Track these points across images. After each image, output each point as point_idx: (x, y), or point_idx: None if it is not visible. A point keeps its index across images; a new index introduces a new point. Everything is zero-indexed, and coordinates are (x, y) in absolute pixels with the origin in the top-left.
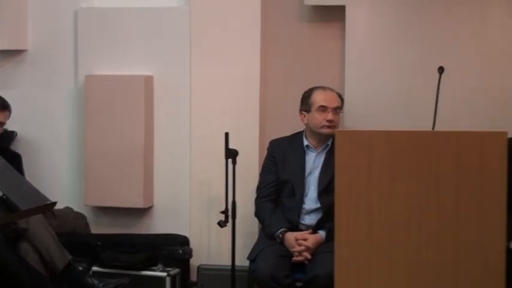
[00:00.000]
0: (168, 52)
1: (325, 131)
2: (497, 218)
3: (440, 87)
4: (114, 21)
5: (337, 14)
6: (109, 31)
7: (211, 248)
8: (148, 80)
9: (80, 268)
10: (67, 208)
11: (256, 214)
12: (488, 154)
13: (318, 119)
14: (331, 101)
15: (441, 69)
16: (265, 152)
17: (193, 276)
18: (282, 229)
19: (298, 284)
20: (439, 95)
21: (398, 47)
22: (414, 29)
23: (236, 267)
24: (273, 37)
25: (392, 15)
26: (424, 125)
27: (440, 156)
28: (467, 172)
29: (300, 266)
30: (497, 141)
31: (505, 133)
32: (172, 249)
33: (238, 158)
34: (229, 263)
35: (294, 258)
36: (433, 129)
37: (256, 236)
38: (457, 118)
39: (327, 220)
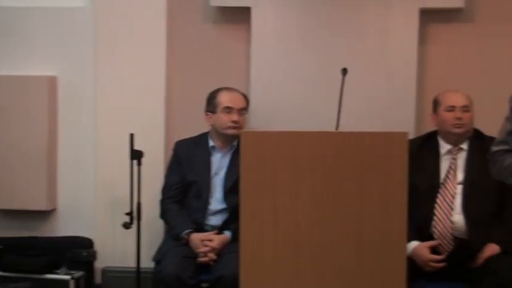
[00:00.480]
0: (72, 52)
1: (231, 131)
2: (399, 218)
3: (344, 88)
4: (16, 21)
5: (242, 15)
6: (11, 31)
7: (116, 250)
8: (51, 81)
9: None
10: None
11: (162, 215)
12: (390, 154)
13: (224, 119)
14: (236, 102)
15: (344, 71)
16: (170, 153)
17: (98, 279)
18: (187, 230)
19: (204, 285)
20: (343, 96)
21: (303, 49)
22: (319, 31)
23: (141, 269)
24: (178, 38)
25: (298, 16)
26: (328, 125)
27: (344, 156)
28: (370, 172)
29: (206, 267)
30: (398, 141)
31: (406, 134)
32: (77, 251)
33: (143, 159)
34: (134, 265)
35: (199, 259)
36: (336, 129)
37: (162, 238)
38: (360, 119)
39: (232, 221)
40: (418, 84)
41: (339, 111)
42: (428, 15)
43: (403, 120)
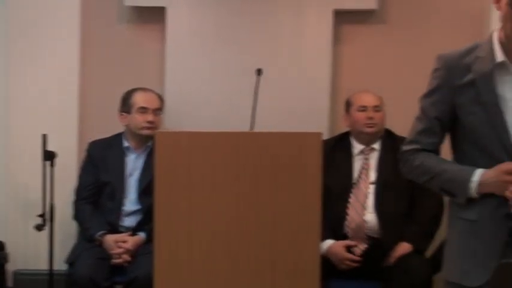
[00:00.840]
0: None
1: (145, 132)
2: (313, 218)
3: (259, 88)
4: None
5: (157, 15)
6: None
7: (29, 252)
8: None
9: None
10: None
11: (75, 217)
12: (304, 154)
13: (138, 120)
14: (151, 102)
15: (259, 71)
16: (84, 154)
17: (10, 282)
18: (101, 232)
19: (118, 287)
20: (258, 96)
21: (218, 49)
22: (234, 31)
23: (54, 272)
24: (92, 37)
25: (213, 17)
26: (243, 126)
27: (259, 156)
28: (284, 172)
29: (120, 269)
30: (312, 141)
31: (320, 134)
32: None
33: (56, 160)
34: (47, 267)
35: (113, 260)
36: (251, 130)
37: (75, 239)
38: (275, 119)
39: (147, 222)
40: (332, 85)
41: (254, 112)
42: (342, 16)
43: (317, 120)
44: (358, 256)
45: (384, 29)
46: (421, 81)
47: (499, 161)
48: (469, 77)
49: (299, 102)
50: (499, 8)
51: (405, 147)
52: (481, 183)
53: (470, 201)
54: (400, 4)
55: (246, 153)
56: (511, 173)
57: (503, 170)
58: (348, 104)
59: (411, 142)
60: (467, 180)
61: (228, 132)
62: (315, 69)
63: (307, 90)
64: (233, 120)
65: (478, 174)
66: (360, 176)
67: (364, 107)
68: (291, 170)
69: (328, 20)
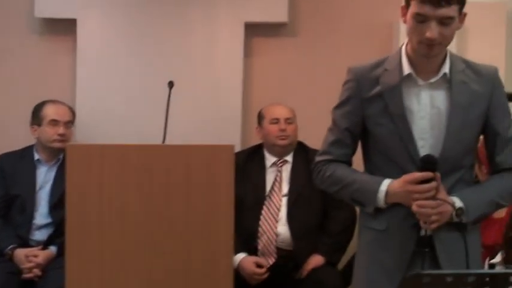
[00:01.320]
0: None
1: (57, 145)
2: (226, 230)
3: (171, 100)
4: None
5: (68, 27)
6: None
7: None
8: None
9: None
10: None
11: None
12: (217, 167)
13: (49, 132)
14: (62, 115)
15: (171, 84)
16: None
17: None
18: (11, 245)
19: None
20: (169, 110)
21: (129, 61)
22: (145, 43)
23: None
24: (2, 49)
25: (124, 29)
26: (155, 139)
27: (171, 169)
28: (197, 184)
29: (31, 283)
30: (225, 154)
31: (232, 146)
32: None
33: None
34: None
35: (24, 275)
36: (163, 142)
37: None
38: (187, 132)
39: (58, 235)
40: (244, 97)
41: (166, 124)
42: (253, 29)
43: (230, 132)
44: (267, 270)
45: (295, 42)
46: (332, 93)
47: (407, 172)
48: (378, 89)
49: (211, 114)
50: (405, 21)
51: (318, 159)
52: (388, 194)
53: (379, 211)
54: (310, 17)
55: (158, 166)
56: (415, 183)
57: (408, 180)
58: (260, 117)
59: (323, 153)
60: (375, 190)
61: (140, 145)
62: (227, 82)
63: (219, 103)
64: (146, 133)
65: (385, 184)
66: (272, 188)
67: (277, 119)
68: (203, 183)
69: (239, 33)
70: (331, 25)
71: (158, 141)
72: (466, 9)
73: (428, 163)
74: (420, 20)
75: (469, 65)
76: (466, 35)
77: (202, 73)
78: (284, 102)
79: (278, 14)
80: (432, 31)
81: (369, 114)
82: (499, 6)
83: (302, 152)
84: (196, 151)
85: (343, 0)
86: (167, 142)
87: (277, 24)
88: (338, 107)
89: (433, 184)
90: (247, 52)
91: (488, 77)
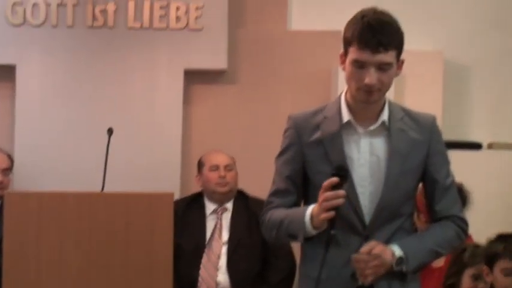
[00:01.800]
0: None
1: None
2: (165, 279)
3: (111, 148)
4: None
5: (7, 73)
6: None
7: None
8: None
9: None
10: None
11: None
12: (156, 215)
13: None
14: (0, 162)
15: (110, 131)
16: None
17: None
18: None
19: None
20: (109, 157)
21: (68, 108)
22: (85, 90)
23: None
24: None
25: (63, 76)
26: (94, 186)
27: (110, 217)
28: (136, 232)
29: None
30: (164, 202)
31: (172, 194)
32: None
33: None
34: None
35: None
36: (102, 190)
37: None
38: (127, 179)
39: None
40: (183, 145)
41: (105, 172)
42: (193, 76)
43: (169, 180)
44: None
45: (234, 89)
46: (272, 140)
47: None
48: (318, 136)
49: (151, 161)
50: (344, 69)
51: (264, 209)
52: (312, 216)
53: (316, 259)
54: (250, 64)
55: (97, 214)
56: (328, 189)
57: (322, 189)
58: (200, 164)
59: (267, 204)
60: (302, 216)
61: (78, 192)
62: (167, 129)
63: (158, 150)
64: (84, 180)
65: (309, 208)
66: (212, 236)
67: (216, 166)
68: (142, 231)
69: (179, 79)
70: (271, 72)
71: (97, 188)
72: (404, 57)
73: (339, 170)
74: (359, 66)
75: (407, 113)
76: (404, 83)
77: (142, 120)
78: (224, 150)
79: (217, 61)
80: (371, 77)
81: (309, 161)
82: (436, 54)
83: (242, 199)
84: (135, 199)
85: (283, 47)
86: (106, 190)
87: (217, 71)
88: (280, 155)
89: (340, 192)
90: (187, 99)
91: (427, 125)
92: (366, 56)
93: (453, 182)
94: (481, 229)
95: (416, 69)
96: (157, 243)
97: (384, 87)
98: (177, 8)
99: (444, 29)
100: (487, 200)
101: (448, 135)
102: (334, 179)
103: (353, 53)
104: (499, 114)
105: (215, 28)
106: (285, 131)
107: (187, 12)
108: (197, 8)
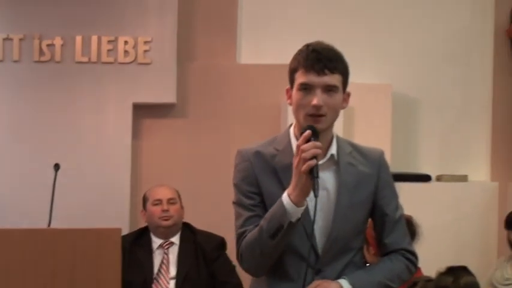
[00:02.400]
0: None
1: None
2: None
3: (58, 183)
4: None
5: None
6: None
7: None
8: None
9: None
10: None
11: None
12: (103, 250)
13: None
14: None
15: (57, 166)
16: None
17: None
18: None
19: None
20: (57, 192)
21: (14, 143)
22: (32, 125)
23: None
24: None
25: (10, 110)
26: (40, 222)
27: (57, 253)
28: (83, 269)
29: None
30: (111, 238)
31: (119, 230)
32: None
33: None
34: None
35: None
36: (49, 226)
37: None
38: (75, 215)
39: None
40: (132, 179)
41: (51, 208)
42: (142, 110)
43: (119, 215)
44: None
45: (184, 123)
46: (221, 174)
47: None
48: (271, 168)
49: (100, 197)
50: (291, 103)
51: (237, 246)
52: (290, 194)
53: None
54: (200, 98)
55: (43, 250)
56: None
57: (297, 145)
58: (145, 199)
59: (239, 236)
60: (279, 203)
61: (24, 229)
62: (115, 164)
63: (107, 185)
64: (31, 216)
65: (284, 193)
66: (159, 271)
67: (159, 200)
68: (89, 267)
69: (127, 114)
70: (221, 106)
71: (44, 224)
72: (353, 90)
73: (310, 128)
74: (305, 89)
75: (355, 147)
76: (352, 115)
77: (90, 155)
78: (174, 184)
79: (166, 95)
80: (318, 98)
81: (266, 191)
82: (384, 87)
83: (189, 233)
84: (83, 234)
85: (232, 81)
86: (53, 225)
87: (166, 105)
88: (237, 188)
89: (317, 143)
90: (136, 133)
91: (375, 160)
92: (312, 77)
93: (402, 215)
94: (431, 261)
95: (366, 102)
96: (104, 280)
97: (330, 113)
98: (125, 42)
99: (393, 62)
100: (436, 232)
101: (397, 168)
102: (308, 132)
103: (299, 78)
104: (447, 147)
105: (164, 62)
106: (237, 165)
107: (135, 46)
108: (145, 42)
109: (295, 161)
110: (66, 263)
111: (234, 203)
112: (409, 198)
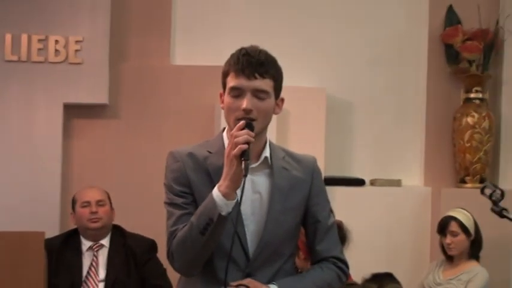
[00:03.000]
0: None
1: None
2: None
3: None
4: None
5: None
6: None
7: None
8: None
9: None
10: None
11: None
12: (25, 254)
13: None
14: None
15: None
16: None
17: None
18: None
19: None
20: None
21: None
22: None
23: None
24: None
25: None
26: None
27: None
28: (4, 269)
29: None
30: (34, 241)
31: (42, 233)
32: None
33: None
34: None
35: None
36: None
37: None
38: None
39: None
40: (63, 181)
41: None
42: (73, 110)
43: (48, 218)
44: None
45: (116, 124)
46: (153, 175)
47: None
48: (204, 169)
49: (29, 199)
50: (223, 107)
51: (167, 245)
52: (220, 187)
53: None
54: (133, 99)
55: None
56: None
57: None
58: (74, 202)
59: (170, 235)
60: (209, 197)
61: None
62: (45, 165)
63: (37, 186)
64: None
65: (215, 188)
66: (88, 274)
67: (87, 202)
68: (12, 271)
69: (58, 114)
70: (154, 107)
71: None
72: (286, 93)
73: (244, 118)
74: (236, 94)
75: (288, 153)
76: (287, 119)
77: (19, 155)
78: (105, 185)
79: (98, 95)
80: (247, 102)
81: (197, 191)
82: (319, 90)
83: (119, 236)
84: (4, 238)
85: (166, 82)
86: None
87: (98, 105)
88: (168, 190)
89: (250, 132)
90: (67, 133)
91: (309, 166)
92: (241, 81)
93: (334, 222)
94: (364, 266)
95: (300, 106)
96: (28, 282)
97: (261, 117)
98: (56, 42)
99: (328, 66)
100: (370, 236)
101: (331, 171)
102: (243, 122)
103: (230, 82)
104: (381, 151)
105: (96, 62)
106: (169, 166)
107: (66, 45)
108: (77, 42)
109: (227, 150)
110: None
111: (165, 203)
112: (343, 202)
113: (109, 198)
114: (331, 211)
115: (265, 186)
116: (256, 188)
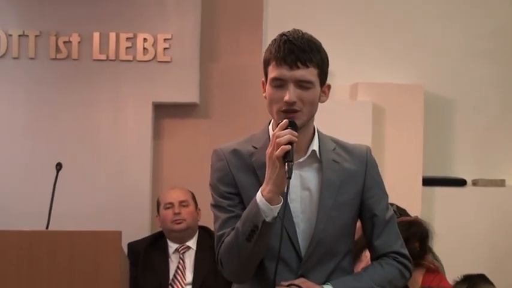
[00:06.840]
0: None
1: None
2: None
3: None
4: None
5: None
6: None
7: None
8: None
9: None
10: None
11: None
12: (102, 253)
13: None
14: None
15: (59, 166)
16: None
17: None
18: None
19: None
20: (56, 192)
21: (29, 142)
22: (47, 124)
23: None
24: None
25: (25, 108)
26: (39, 223)
27: (53, 256)
28: (80, 272)
29: None
30: (111, 240)
31: (119, 232)
32: None
33: None
34: None
35: None
36: (47, 227)
37: None
38: (95, 218)
39: None
40: (153, 181)
41: (50, 209)
42: (163, 110)
43: (138, 219)
44: None
45: (207, 123)
46: None
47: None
48: (249, 166)
49: (119, 199)
50: (266, 96)
51: (216, 251)
52: (262, 191)
53: None
54: (223, 98)
55: (40, 252)
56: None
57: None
58: (158, 204)
59: (219, 240)
60: (253, 202)
61: (20, 231)
62: (135, 165)
63: (127, 187)
64: (30, 217)
65: (258, 192)
66: (175, 277)
67: (171, 203)
68: (88, 267)
69: (147, 113)
70: (245, 106)
71: (43, 225)
72: (383, 91)
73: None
74: (278, 84)
75: (339, 144)
76: (384, 116)
77: (108, 155)
78: (195, 186)
79: (188, 94)
80: (290, 94)
81: (243, 189)
82: (416, 87)
83: (206, 237)
84: (80, 236)
85: (257, 81)
86: (52, 226)
87: (188, 104)
88: (214, 190)
89: (293, 131)
90: (157, 133)
91: (361, 156)
92: (284, 71)
93: (393, 216)
94: (466, 270)
95: (397, 102)
96: (104, 279)
97: (306, 108)
98: (144, 40)
99: (425, 62)
100: (471, 238)
101: (429, 171)
102: (285, 121)
103: (271, 72)
104: (483, 150)
105: (185, 60)
106: (213, 165)
107: (154, 43)
108: (165, 40)
109: (269, 150)
110: (63, 263)
111: (211, 205)
112: (443, 204)
113: (194, 198)
114: (388, 204)
115: (314, 182)
116: (305, 184)
